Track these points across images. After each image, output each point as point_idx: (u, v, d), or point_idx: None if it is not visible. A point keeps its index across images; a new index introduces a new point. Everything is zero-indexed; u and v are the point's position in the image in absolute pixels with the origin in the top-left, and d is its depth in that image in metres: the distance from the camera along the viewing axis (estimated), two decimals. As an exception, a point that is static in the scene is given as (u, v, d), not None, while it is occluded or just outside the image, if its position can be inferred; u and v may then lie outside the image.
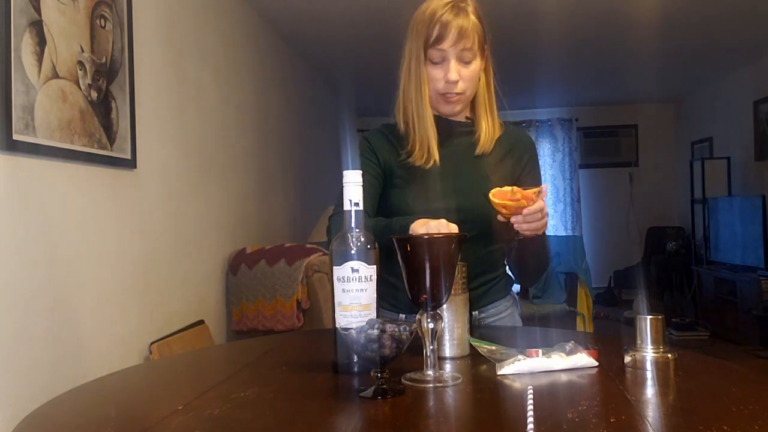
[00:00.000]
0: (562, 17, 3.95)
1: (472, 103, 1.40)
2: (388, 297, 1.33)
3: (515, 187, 1.18)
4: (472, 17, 1.29)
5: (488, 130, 1.37)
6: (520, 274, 1.47)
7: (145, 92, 2.39)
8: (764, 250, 4.70)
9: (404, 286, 0.97)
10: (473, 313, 1.37)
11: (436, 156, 1.34)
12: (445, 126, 1.38)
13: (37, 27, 1.77)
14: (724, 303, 5.08)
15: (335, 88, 5.86)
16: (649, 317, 1.02)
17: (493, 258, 1.41)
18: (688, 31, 4.39)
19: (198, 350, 2.21)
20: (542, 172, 1.48)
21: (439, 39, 1.27)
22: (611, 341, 1.24)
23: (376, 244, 1.02)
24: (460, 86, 1.31)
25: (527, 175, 1.42)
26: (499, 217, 1.20)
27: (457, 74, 1.29)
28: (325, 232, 1.41)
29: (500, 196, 1.18)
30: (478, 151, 1.37)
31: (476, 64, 1.32)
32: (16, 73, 1.67)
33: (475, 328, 1.31)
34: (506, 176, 1.37)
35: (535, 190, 1.18)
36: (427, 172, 1.35)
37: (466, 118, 1.42)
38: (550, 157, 7.34)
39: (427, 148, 1.34)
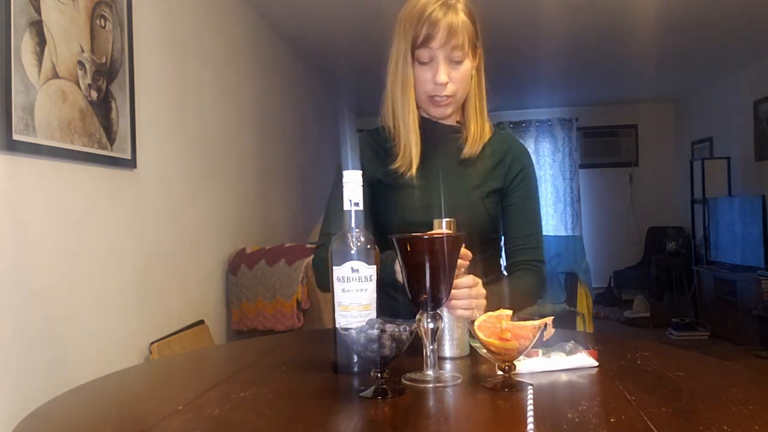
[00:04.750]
0: (563, 17, 3.96)
1: (462, 105, 1.33)
2: (388, 307, 1.31)
3: (506, 320, 0.93)
4: (462, 15, 1.22)
5: (476, 133, 1.30)
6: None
7: (145, 92, 2.39)
8: (764, 250, 4.70)
9: (404, 296, 0.97)
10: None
11: (416, 162, 1.27)
12: (431, 129, 1.31)
13: (37, 27, 1.77)
14: (724, 303, 5.08)
15: (335, 88, 5.86)
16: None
17: (484, 266, 1.34)
18: (688, 31, 4.39)
19: (198, 350, 2.21)
20: (541, 176, 1.37)
21: (428, 39, 1.20)
22: (611, 341, 1.24)
23: (377, 246, 1.02)
24: (450, 88, 1.24)
25: (517, 186, 1.33)
26: (484, 353, 1.03)
27: (446, 76, 1.22)
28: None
29: (486, 330, 0.92)
30: (465, 154, 1.29)
31: (467, 65, 1.25)
32: (16, 73, 1.67)
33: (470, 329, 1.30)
34: (498, 183, 1.31)
35: (534, 325, 0.91)
36: (412, 180, 1.28)
37: (456, 122, 1.34)
38: (550, 157, 7.34)
39: (409, 154, 1.27)
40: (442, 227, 1.11)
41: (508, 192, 1.33)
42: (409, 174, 1.28)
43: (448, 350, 1.11)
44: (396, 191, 1.31)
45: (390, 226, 1.28)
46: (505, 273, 1.46)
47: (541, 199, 1.41)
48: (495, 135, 1.35)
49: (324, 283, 1.25)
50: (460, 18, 1.21)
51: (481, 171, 1.31)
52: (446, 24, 1.19)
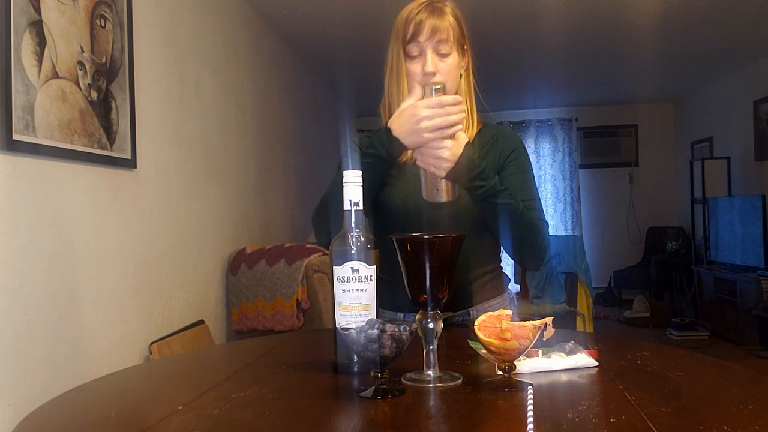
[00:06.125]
0: (562, 17, 3.96)
1: None
2: (387, 296, 1.32)
3: (505, 321, 0.93)
4: (449, 16, 1.31)
5: (466, 126, 1.35)
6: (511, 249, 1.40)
7: (145, 92, 2.39)
8: (764, 250, 4.70)
9: (402, 284, 0.97)
10: (470, 310, 1.37)
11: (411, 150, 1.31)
12: None
13: (37, 27, 1.77)
14: (724, 303, 5.08)
15: (335, 88, 5.86)
16: None
17: (482, 253, 1.39)
18: (688, 32, 4.39)
19: (198, 350, 2.21)
20: (541, 176, 1.39)
21: (415, 35, 1.30)
22: (611, 341, 1.25)
23: (376, 244, 1.02)
24: (438, 79, 1.30)
25: (511, 162, 1.36)
26: (484, 353, 1.04)
27: (434, 66, 1.30)
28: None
29: (486, 330, 0.92)
30: None
31: (454, 59, 1.32)
32: (16, 73, 1.67)
33: (470, 329, 1.30)
34: (491, 166, 1.34)
35: (534, 325, 0.90)
36: (407, 168, 1.34)
37: None
38: (550, 157, 7.34)
39: None
40: (432, 94, 1.19)
41: (503, 168, 1.37)
42: (404, 159, 1.33)
43: (444, 193, 1.20)
44: (392, 178, 1.36)
45: (390, 207, 1.35)
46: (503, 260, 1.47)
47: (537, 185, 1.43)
48: (484, 127, 1.42)
49: (321, 237, 1.36)
50: (447, 18, 1.31)
51: None
52: (431, 23, 1.30)
